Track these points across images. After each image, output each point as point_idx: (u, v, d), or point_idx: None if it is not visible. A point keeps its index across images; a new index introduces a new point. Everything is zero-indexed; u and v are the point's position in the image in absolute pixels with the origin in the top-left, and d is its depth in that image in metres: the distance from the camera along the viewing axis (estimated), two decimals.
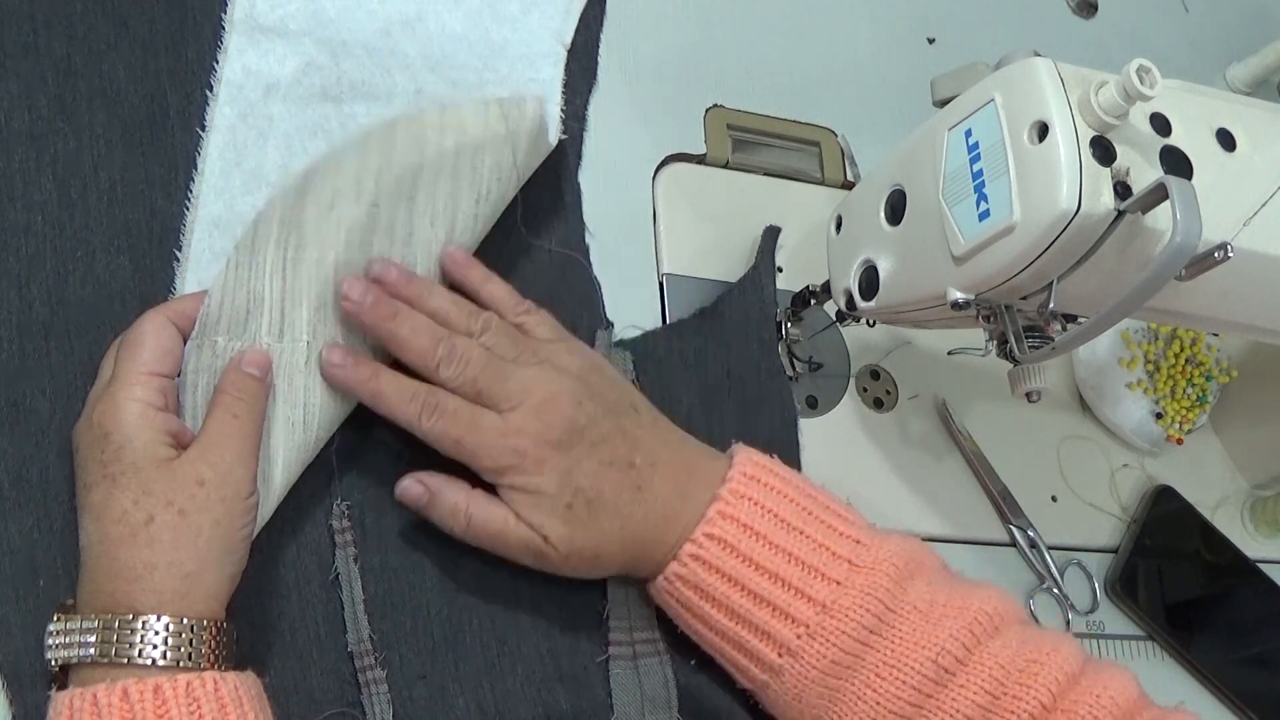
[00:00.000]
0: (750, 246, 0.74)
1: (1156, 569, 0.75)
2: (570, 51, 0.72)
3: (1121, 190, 0.51)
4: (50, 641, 0.49)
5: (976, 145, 0.54)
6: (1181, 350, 0.79)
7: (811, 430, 0.70)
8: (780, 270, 0.74)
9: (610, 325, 0.68)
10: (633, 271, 0.71)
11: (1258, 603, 0.77)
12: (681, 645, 0.61)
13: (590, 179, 0.71)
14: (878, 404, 0.74)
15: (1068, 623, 0.71)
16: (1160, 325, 0.80)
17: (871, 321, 0.69)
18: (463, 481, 0.57)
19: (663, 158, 0.75)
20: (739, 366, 0.68)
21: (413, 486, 0.57)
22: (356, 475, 0.59)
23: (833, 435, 0.71)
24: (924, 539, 0.70)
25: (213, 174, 0.61)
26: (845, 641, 0.55)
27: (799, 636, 0.55)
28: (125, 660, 0.47)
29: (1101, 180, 0.51)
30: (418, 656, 0.57)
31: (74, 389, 0.56)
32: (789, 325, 0.72)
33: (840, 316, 0.68)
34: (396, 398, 0.56)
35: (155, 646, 0.47)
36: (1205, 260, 0.49)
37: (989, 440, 0.74)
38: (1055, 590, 0.72)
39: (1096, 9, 0.94)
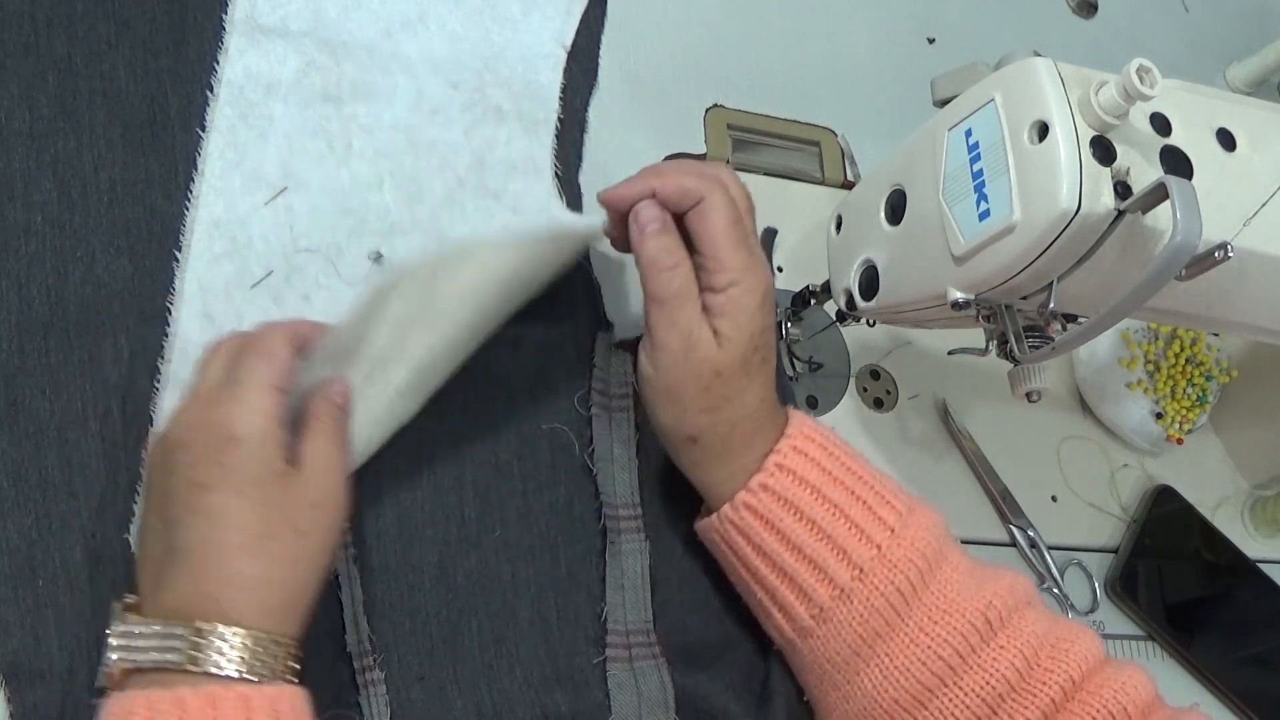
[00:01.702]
0: None
1: (1156, 569, 0.75)
2: (570, 53, 0.72)
3: (1121, 190, 0.51)
4: (123, 642, 0.47)
5: (976, 145, 0.54)
6: (1181, 350, 0.79)
7: None
8: (780, 270, 0.74)
9: (610, 326, 0.68)
10: (633, 271, 0.70)
11: (1258, 603, 0.77)
12: (681, 649, 0.61)
13: (590, 179, 0.71)
14: (878, 404, 0.74)
15: None
16: (1160, 325, 0.80)
17: (871, 321, 0.69)
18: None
19: (663, 158, 0.74)
20: None
21: (653, 211, 0.57)
22: (353, 478, 0.59)
23: None
24: None
25: (213, 174, 0.61)
26: (891, 591, 0.55)
27: (853, 578, 0.56)
28: (213, 669, 0.46)
29: (1101, 180, 0.51)
30: (416, 658, 0.57)
31: (73, 388, 0.56)
32: (789, 325, 0.72)
33: (840, 316, 0.68)
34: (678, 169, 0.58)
35: (244, 659, 0.46)
36: (1205, 260, 0.49)
37: (989, 440, 0.74)
38: (1055, 590, 0.72)
39: (1096, 9, 0.94)
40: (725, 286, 0.56)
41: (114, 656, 0.47)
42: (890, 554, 0.56)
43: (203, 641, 0.46)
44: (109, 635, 0.48)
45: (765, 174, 0.77)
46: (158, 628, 0.47)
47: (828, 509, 0.56)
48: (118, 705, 0.46)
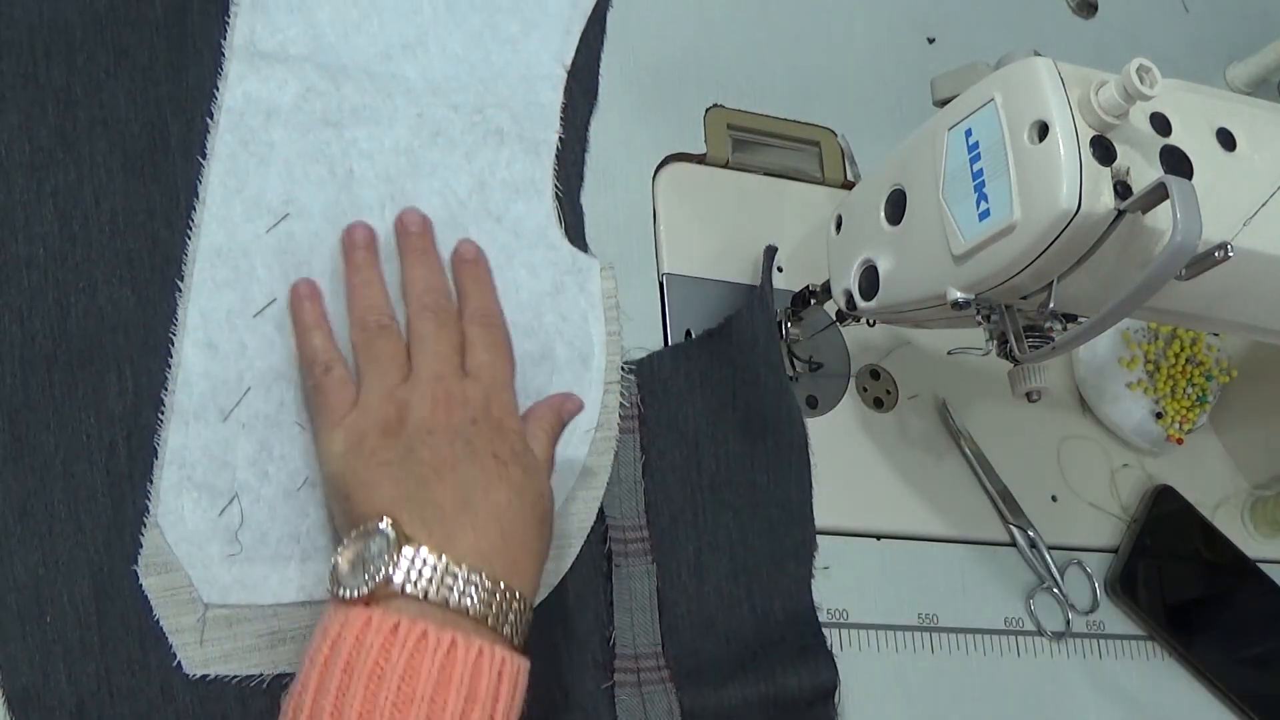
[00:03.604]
0: (750, 246, 0.74)
1: (1156, 569, 0.75)
2: (571, 72, 0.72)
3: (1121, 190, 0.51)
4: (432, 576, 0.48)
5: (976, 145, 0.54)
6: (1181, 350, 0.79)
7: (812, 430, 0.70)
8: (780, 270, 0.74)
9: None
10: (633, 271, 0.70)
11: (1258, 603, 0.77)
12: (690, 671, 0.61)
13: (590, 179, 0.71)
14: (878, 404, 0.74)
15: (1068, 623, 0.71)
16: (1160, 325, 0.80)
17: (871, 321, 0.69)
18: None
19: (663, 158, 0.74)
20: (744, 389, 0.68)
21: None
22: None
23: (833, 435, 0.71)
24: (924, 539, 0.70)
25: (214, 202, 0.61)
26: None
27: None
28: (504, 628, 0.48)
29: (1101, 180, 0.51)
30: None
31: (78, 422, 0.55)
32: (789, 325, 0.72)
33: (840, 316, 0.68)
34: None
35: (514, 625, 0.49)
36: (1205, 260, 0.49)
37: (989, 440, 0.74)
38: (1055, 590, 0.72)
39: (1096, 9, 0.94)
40: None
41: (417, 581, 0.48)
42: None
43: (502, 598, 0.48)
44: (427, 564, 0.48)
45: (765, 174, 0.77)
46: (470, 574, 0.48)
47: None
48: (361, 618, 0.46)
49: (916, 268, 0.59)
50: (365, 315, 0.56)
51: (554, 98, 0.71)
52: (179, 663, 0.53)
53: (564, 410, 0.58)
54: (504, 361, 0.57)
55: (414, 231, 0.59)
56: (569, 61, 0.72)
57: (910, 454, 0.73)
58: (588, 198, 0.70)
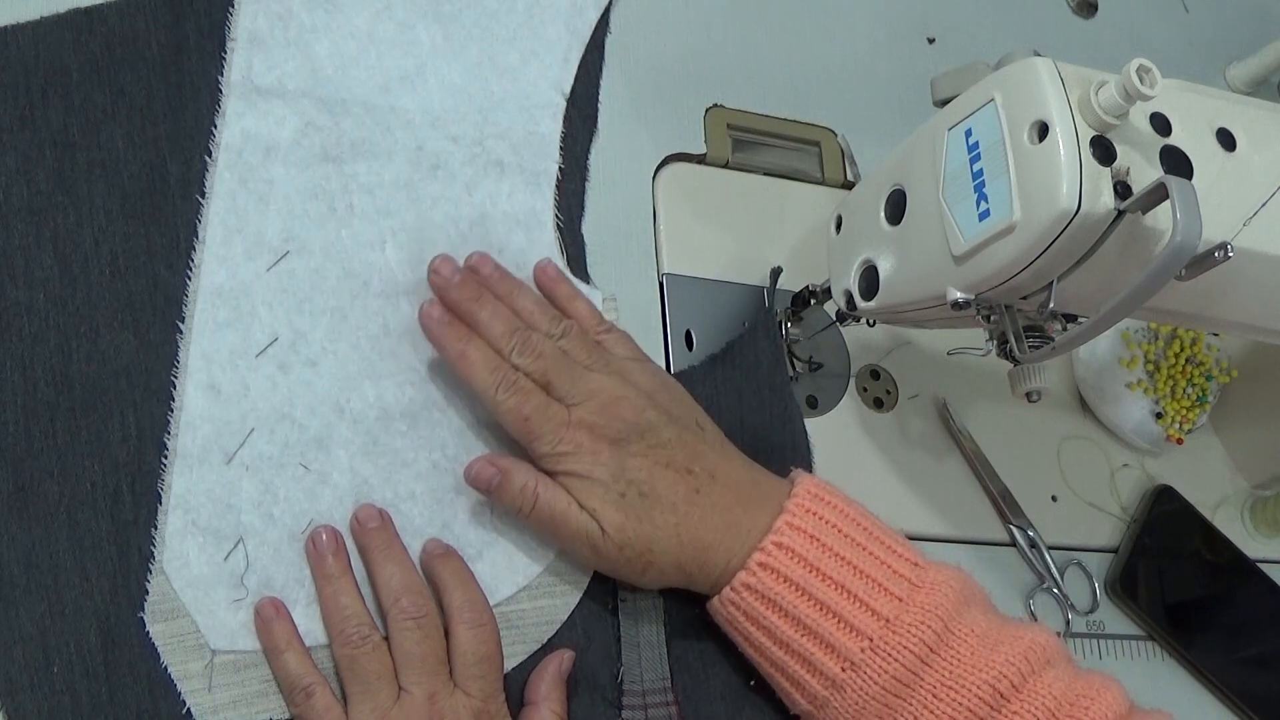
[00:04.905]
0: (750, 246, 0.74)
1: (1156, 569, 0.75)
2: (570, 100, 0.72)
3: (1121, 190, 0.51)
4: None
5: (976, 145, 0.54)
6: (1181, 350, 0.79)
7: (811, 430, 0.70)
8: (780, 270, 0.74)
9: None
10: (633, 271, 0.70)
11: (1258, 603, 0.77)
12: (700, 703, 0.60)
13: (591, 179, 0.71)
14: (878, 404, 0.74)
15: (1068, 622, 0.71)
16: (1160, 325, 0.80)
17: (871, 321, 0.69)
18: (531, 465, 0.58)
19: (663, 158, 0.74)
20: (751, 414, 0.67)
21: (485, 468, 0.58)
22: None
23: (833, 435, 0.71)
24: (924, 539, 0.70)
25: (214, 241, 0.61)
26: (906, 658, 0.55)
27: (863, 650, 0.55)
28: None
29: (1101, 180, 0.51)
30: None
31: (81, 469, 0.55)
32: (789, 325, 0.72)
33: (840, 316, 0.68)
34: (481, 365, 0.58)
35: None
36: (1205, 260, 0.49)
37: (989, 440, 0.74)
38: (1055, 590, 0.72)
39: (1096, 9, 0.94)
40: (553, 473, 0.57)
41: None
42: (884, 642, 0.55)
43: None
44: None
45: (765, 174, 0.77)
46: None
47: (815, 601, 0.56)
48: None
49: (916, 268, 0.59)
50: (344, 627, 0.54)
51: (553, 127, 0.70)
52: (188, 709, 0.53)
53: (564, 669, 0.58)
54: (495, 668, 0.56)
55: (373, 527, 0.57)
56: (568, 89, 0.72)
57: (910, 454, 0.73)
58: (588, 198, 0.70)
